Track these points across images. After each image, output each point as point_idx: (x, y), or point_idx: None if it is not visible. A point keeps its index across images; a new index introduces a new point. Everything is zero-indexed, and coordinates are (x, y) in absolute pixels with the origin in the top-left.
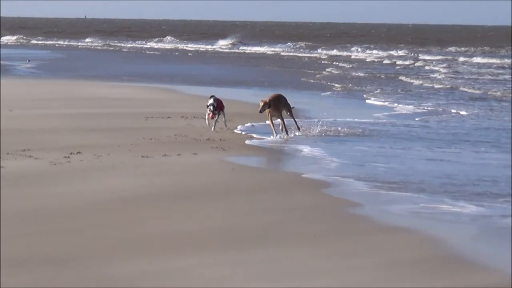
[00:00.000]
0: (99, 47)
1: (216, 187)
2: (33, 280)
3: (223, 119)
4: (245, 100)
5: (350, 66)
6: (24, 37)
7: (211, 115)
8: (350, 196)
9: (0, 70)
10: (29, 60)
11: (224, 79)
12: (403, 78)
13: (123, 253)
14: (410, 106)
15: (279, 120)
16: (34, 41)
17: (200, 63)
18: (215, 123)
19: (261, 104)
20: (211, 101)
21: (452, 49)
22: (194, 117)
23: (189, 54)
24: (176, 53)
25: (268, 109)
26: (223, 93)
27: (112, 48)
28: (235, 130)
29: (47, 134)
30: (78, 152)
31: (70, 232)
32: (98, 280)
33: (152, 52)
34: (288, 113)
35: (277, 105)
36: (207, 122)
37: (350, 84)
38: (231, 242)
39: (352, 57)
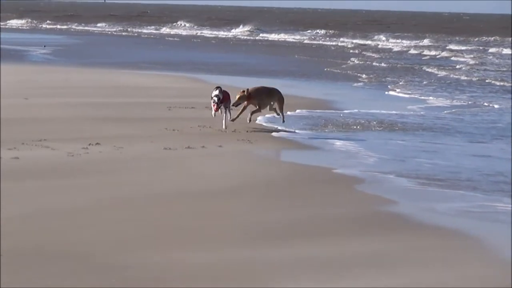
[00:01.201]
0: (115, 33)
1: (242, 181)
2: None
3: (228, 113)
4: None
5: (377, 56)
6: (34, 21)
7: (215, 107)
8: (390, 193)
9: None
10: (44, 46)
11: (251, 68)
12: (430, 69)
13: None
14: (442, 99)
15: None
16: (44, 25)
17: (222, 50)
18: (225, 121)
19: (239, 96)
20: (216, 92)
21: (484, 39)
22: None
23: (212, 41)
24: (198, 40)
25: (245, 103)
26: (252, 84)
27: (129, 34)
28: (256, 121)
29: (64, 124)
30: (97, 143)
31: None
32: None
33: (171, 39)
34: (278, 106)
35: (261, 99)
36: (213, 114)
37: (377, 75)
38: (256, 237)
39: (380, 46)
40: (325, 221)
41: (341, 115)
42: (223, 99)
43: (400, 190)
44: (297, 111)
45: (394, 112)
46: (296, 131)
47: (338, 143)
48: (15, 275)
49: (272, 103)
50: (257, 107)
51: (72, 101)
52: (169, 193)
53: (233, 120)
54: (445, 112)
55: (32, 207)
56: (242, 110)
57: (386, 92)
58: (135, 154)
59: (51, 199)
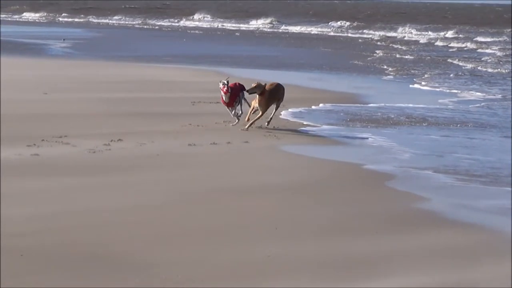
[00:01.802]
0: (136, 26)
1: (270, 178)
2: None
3: (236, 110)
4: (305, 85)
5: (404, 48)
6: (50, 14)
7: (224, 91)
8: (426, 189)
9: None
10: (64, 39)
11: (278, 62)
12: (457, 61)
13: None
14: (472, 92)
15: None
16: (61, 18)
17: (247, 43)
18: (236, 115)
19: (255, 84)
20: (224, 81)
21: None
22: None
23: (236, 33)
24: (221, 33)
25: (260, 97)
26: (279, 77)
27: (149, 27)
28: (280, 116)
29: (85, 120)
30: (119, 139)
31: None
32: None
33: (194, 32)
34: (277, 106)
35: (274, 95)
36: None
37: (404, 68)
38: (287, 236)
39: (406, 38)
40: (363, 219)
41: (368, 109)
42: (234, 92)
43: (437, 186)
44: (321, 105)
45: (423, 106)
46: (324, 126)
47: (369, 138)
48: (43, 275)
49: (276, 102)
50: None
51: (93, 96)
52: (194, 192)
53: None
54: (476, 105)
55: (53, 207)
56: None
57: (413, 85)
58: (158, 150)
59: (72, 197)
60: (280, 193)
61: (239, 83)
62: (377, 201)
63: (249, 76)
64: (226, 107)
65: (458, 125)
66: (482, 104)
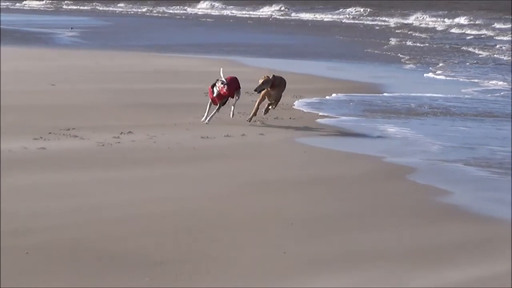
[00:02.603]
0: (146, 13)
1: (287, 172)
2: None
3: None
4: (320, 75)
5: (421, 35)
6: (54, 2)
7: (223, 92)
8: (457, 182)
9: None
10: (72, 28)
11: (294, 50)
12: (474, 49)
13: None
14: (495, 81)
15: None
16: (65, 6)
17: (260, 31)
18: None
19: (262, 80)
20: (223, 79)
21: None
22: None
23: (249, 21)
24: (233, 21)
25: (268, 90)
26: (293, 66)
27: (159, 15)
28: (293, 107)
29: (94, 112)
30: (129, 132)
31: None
32: None
33: (204, 19)
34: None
35: (280, 88)
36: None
37: (420, 56)
38: (301, 232)
39: (423, 25)
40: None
41: (386, 99)
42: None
43: (471, 179)
44: (334, 95)
45: (443, 95)
46: (342, 117)
47: (391, 129)
48: (50, 274)
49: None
50: (271, 99)
51: (102, 87)
52: (207, 186)
53: (250, 119)
54: (501, 94)
55: (61, 202)
56: (259, 105)
57: (430, 75)
58: (169, 143)
59: (80, 192)
60: (295, 188)
61: (233, 77)
62: (399, 194)
63: (265, 66)
64: (211, 102)
65: (485, 116)
66: (505, 93)
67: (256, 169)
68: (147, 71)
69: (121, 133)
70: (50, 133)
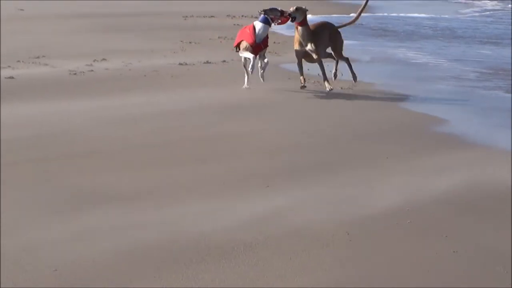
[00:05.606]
0: None
1: (272, 99)
2: None
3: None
4: None
5: None
6: None
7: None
8: None
9: None
10: None
11: None
12: None
13: None
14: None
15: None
16: None
17: None
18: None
19: (293, 8)
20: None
21: None
22: (242, 15)
23: None
24: None
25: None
26: None
27: None
28: None
29: (65, 38)
30: (103, 59)
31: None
32: None
33: None
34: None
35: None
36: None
37: None
38: (289, 172)
39: None
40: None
41: (379, 19)
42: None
43: None
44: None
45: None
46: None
47: (409, 53)
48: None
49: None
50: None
51: (72, 12)
52: (184, 115)
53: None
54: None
55: (31, 133)
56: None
57: None
58: (145, 71)
59: (51, 123)
60: (277, 118)
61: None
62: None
63: None
64: (245, 52)
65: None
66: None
67: (236, 96)
68: None
69: (94, 60)
70: (18, 61)
